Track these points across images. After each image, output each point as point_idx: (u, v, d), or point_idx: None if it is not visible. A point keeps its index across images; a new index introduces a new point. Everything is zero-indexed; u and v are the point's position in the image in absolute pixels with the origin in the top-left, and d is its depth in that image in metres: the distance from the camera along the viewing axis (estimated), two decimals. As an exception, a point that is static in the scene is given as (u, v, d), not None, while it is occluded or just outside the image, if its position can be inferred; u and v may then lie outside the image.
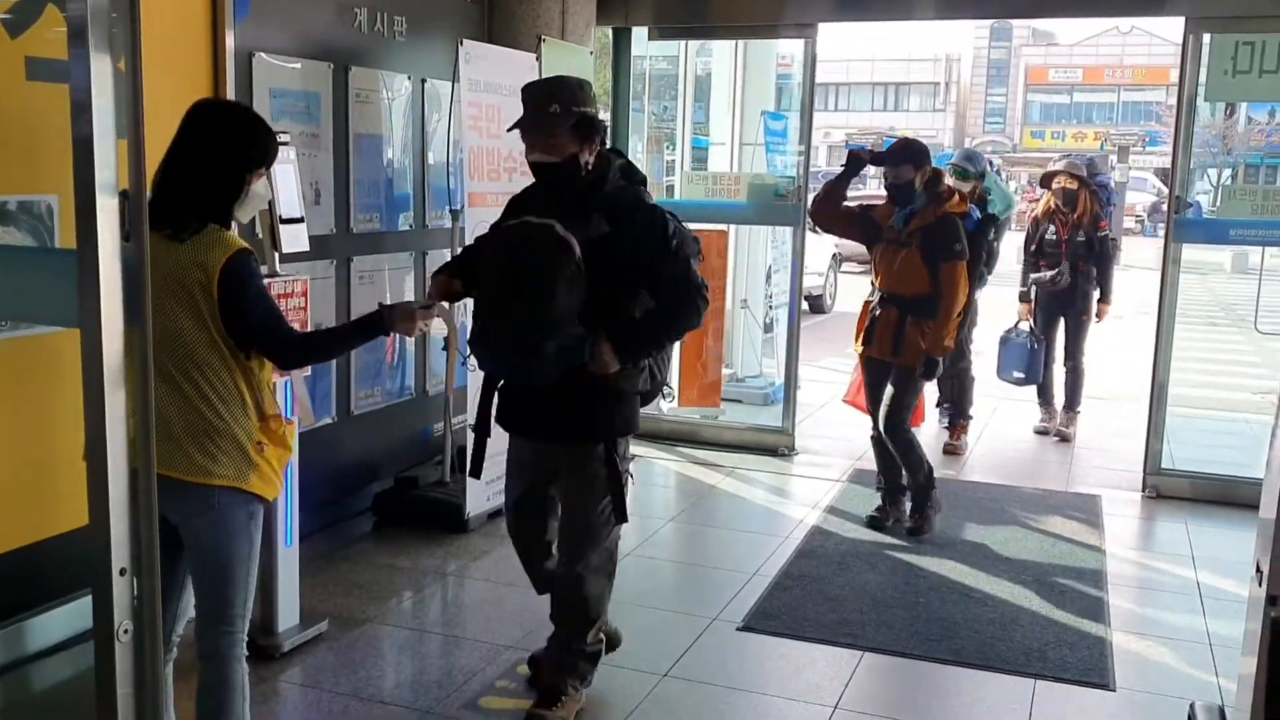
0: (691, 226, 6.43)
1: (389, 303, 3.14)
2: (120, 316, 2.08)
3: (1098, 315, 7.29)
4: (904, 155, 5.14)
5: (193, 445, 2.62)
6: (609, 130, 7.19)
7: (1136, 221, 26.37)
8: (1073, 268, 7.08)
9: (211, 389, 2.63)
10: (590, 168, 3.23)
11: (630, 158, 6.06)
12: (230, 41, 4.24)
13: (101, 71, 2.00)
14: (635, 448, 6.69)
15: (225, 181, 2.68)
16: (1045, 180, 7.49)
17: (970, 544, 5.20)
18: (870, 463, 5.71)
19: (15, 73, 3.45)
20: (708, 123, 9.00)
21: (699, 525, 5.57)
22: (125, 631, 2.11)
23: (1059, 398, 7.46)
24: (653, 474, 6.42)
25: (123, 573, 2.12)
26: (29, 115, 3.48)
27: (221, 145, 2.68)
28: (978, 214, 5.79)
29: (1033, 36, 52.68)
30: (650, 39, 7.18)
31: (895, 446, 5.26)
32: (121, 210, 2.10)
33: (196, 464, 2.62)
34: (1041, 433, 7.45)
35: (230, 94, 4.22)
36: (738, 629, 4.20)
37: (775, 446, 6.85)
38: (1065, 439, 7.30)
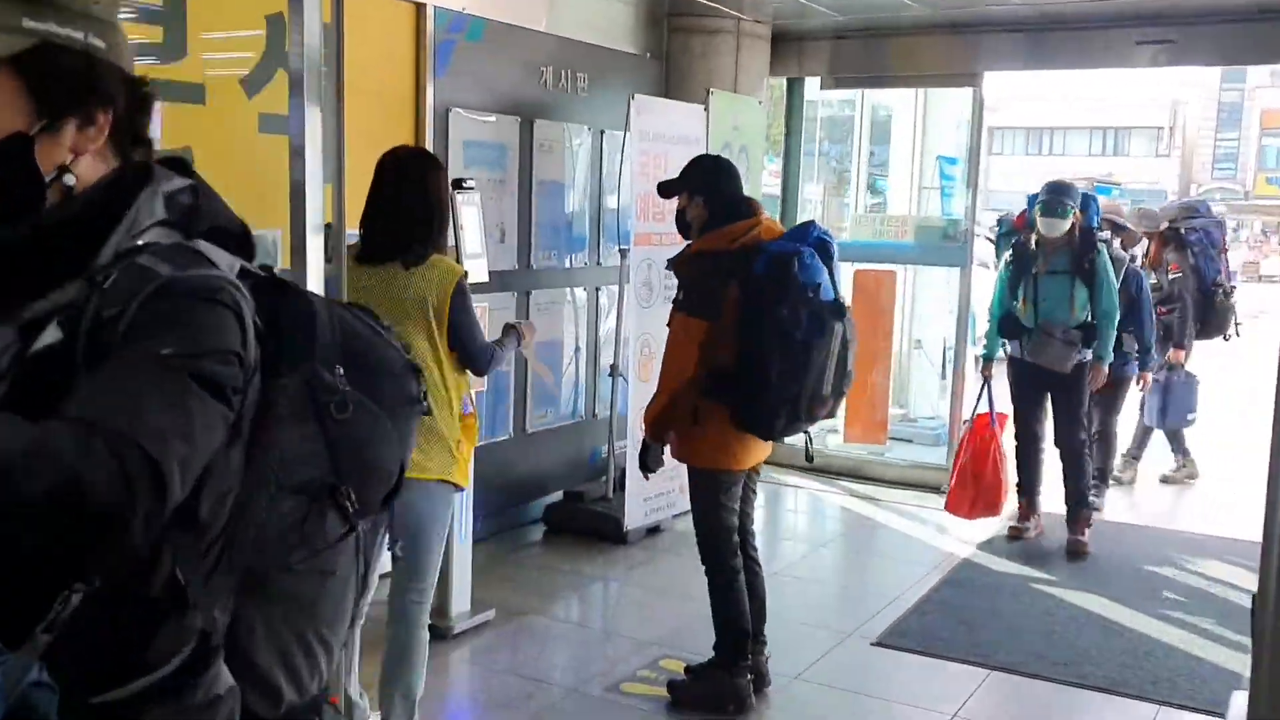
0: (862, 266, 6.71)
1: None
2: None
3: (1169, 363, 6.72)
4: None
5: (435, 448, 3.13)
6: (783, 176, 7.65)
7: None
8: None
9: (429, 397, 3.15)
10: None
11: (803, 201, 6.46)
12: (430, 98, 4.86)
13: (312, 120, 2.53)
14: (797, 478, 7.04)
15: (437, 213, 3.21)
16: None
17: (1120, 581, 5.25)
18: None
19: (250, 126, 4.13)
20: (887, 165, 9.24)
21: (850, 552, 5.81)
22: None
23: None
24: (812, 504, 6.69)
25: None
26: (260, 162, 4.14)
27: (428, 181, 3.21)
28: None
29: (1272, 78, 49.88)
30: (823, 88, 7.52)
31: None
32: (325, 239, 2.63)
33: (414, 462, 3.13)
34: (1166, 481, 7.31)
35: (429, 144, 4.82)
36: (871, 644, 4.43)
37: (938, 484, 6.98)
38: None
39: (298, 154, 2.54)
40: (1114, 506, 6.60)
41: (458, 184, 4.32)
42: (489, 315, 4.39)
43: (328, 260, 2.60)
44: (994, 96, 9.30)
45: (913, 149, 8.84)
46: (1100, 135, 51.84)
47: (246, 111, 4.13)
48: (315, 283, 2.58)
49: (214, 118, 4.06)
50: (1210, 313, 6.80)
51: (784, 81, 7.47)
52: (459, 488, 3.27)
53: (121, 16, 3.88)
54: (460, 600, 4.38)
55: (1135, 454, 7.27)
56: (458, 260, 4.25)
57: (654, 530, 5.68)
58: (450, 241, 4.23)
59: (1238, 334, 7.04)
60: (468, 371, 3.29)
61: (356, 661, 3.43)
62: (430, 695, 3.82)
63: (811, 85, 7.51)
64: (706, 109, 5.94)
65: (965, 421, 5.97)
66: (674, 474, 5.81)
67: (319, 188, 2.60)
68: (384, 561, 3.47)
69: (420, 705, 3.30)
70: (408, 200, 3.18)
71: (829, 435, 7.75)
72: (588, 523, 5.64)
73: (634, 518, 5.48)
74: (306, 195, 2.57)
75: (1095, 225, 5.60)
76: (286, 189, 2.66)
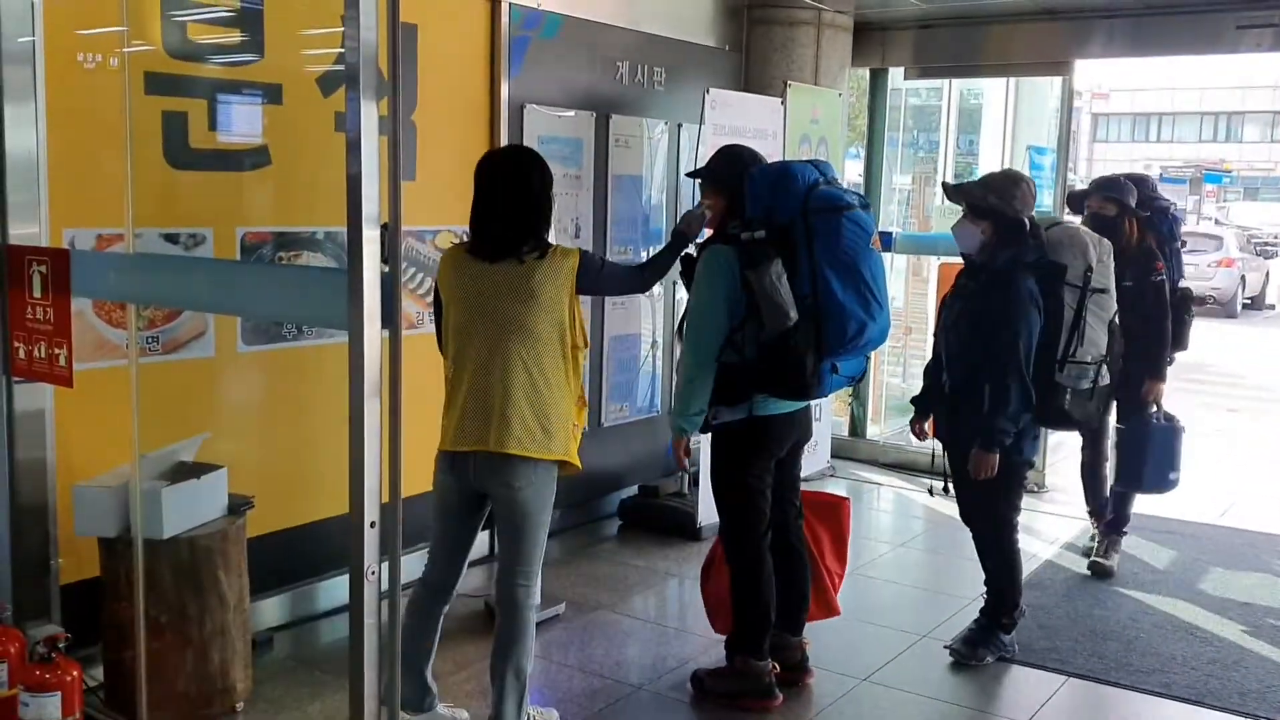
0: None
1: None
2: (378, 320, 2.62)
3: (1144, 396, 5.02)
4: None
5: (536, 425, 3.22)
6: (866, 167, 7.52)
7: None
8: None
9: (551, 378, 3.26)
10: None
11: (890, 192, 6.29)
12: (505, 94, 4.89)
13: (368, 114, 2.55)
14: (879, 475, 6.94)
15: (543, 207, 3.34)
16: (1073, 202, 5.44)
17: (1210, 587, 5.07)
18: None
19: (327, 125, 4.20)
20: (977, 156, 9.04)
21: (927, 551, 5.70)
22: (372, 572, 2.64)
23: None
24: (897, 503, 6.60)
25: (372, 525, 2.65)
26: (337, 161, 4.21)
27: (534, 179, 3.31)
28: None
29: (1392, 57, 47.55)
30: (906, 79, 7.39)
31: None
32: (382, 239, 2.65)
33: (539, 442, 3.21)
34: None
35: (504, 141, 4.86)
36: (944, 646, 4.35)
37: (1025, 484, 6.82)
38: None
39: (354, 148, 2.57)
40: (1201, 508, 6.37)
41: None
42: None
43: (384, 260, 2.62)
44: (1099, 83, 9.01)
45: (1003, 138, 8.62)
46: (1211, 121, 50.03)
47: (323, 110, 4.20)
48: (370, 280, 2.60)
49: (291, 117, 4.14)
50: (1179, 328, 5.16)
51: (867, 72, 7.34)
52: (579, 469, 3.36)
53: (201, 19, 4.00)
54: (530, 594, 4.41)
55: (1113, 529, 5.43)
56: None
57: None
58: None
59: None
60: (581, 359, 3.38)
61: (436, 639, 3.48)
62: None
63: (896, 75, 7.38)
64: (784, 102, 5.88)
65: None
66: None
67: (375, 182, 2.63)
68: (478, 547, 3.55)
69: (488, 698, 3.34)
70: (513, 201, 3.28)
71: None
72: (662, 518, 5.63)
73: (708, 514, 5.45)
74: (363, 189, 2.60)
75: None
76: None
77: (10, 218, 3.37)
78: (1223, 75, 45.77)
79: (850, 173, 8.11)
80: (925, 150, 9.18)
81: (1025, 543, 5.72)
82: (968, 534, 4.35)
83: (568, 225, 5.30)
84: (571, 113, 5.31)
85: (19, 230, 3.39)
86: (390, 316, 2.66)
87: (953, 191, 4.28)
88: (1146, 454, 5.08)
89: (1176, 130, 49.84)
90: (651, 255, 3.81)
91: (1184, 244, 5.61)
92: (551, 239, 4.35)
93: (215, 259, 3.88)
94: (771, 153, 5.75)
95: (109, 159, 3.52)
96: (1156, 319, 4.97)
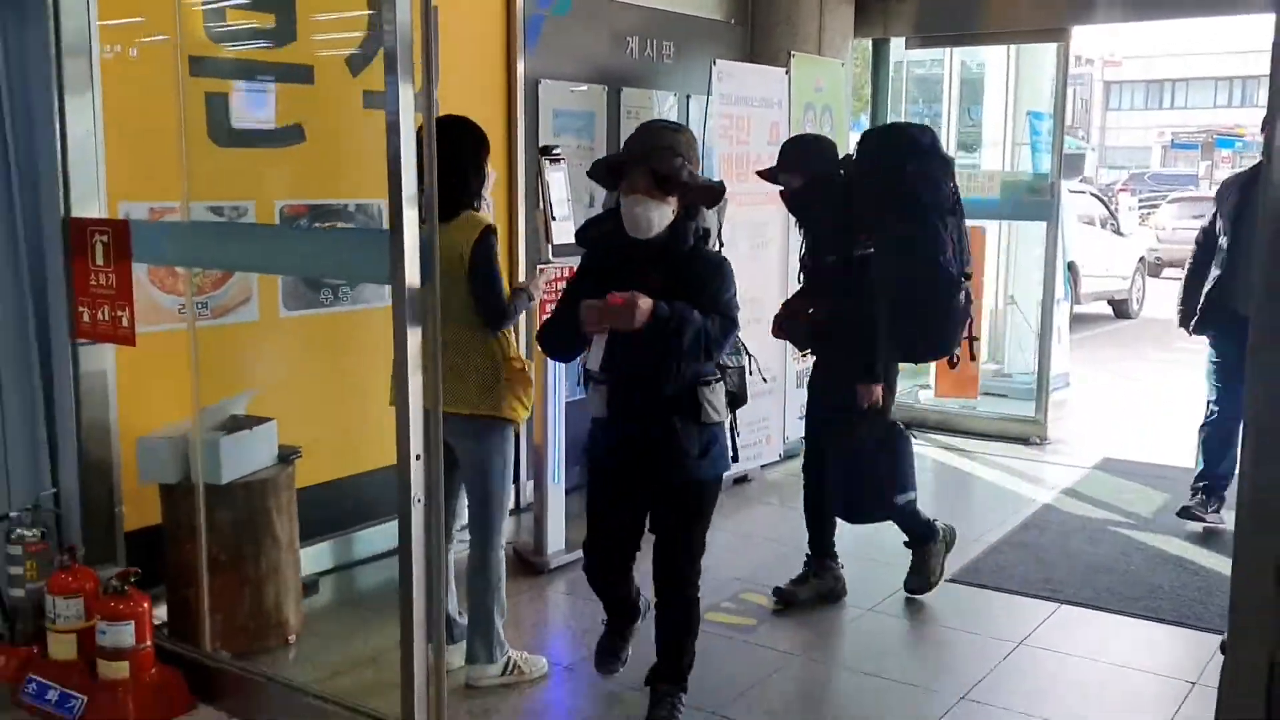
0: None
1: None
2: (417, 277, 2.90)
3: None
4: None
5: (475, 387, 3.47)
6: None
7: None
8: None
9: (461, 340, 3.47)
10: None
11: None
12: (521, 70, 5.15)
13: (405, 96, 2.82)
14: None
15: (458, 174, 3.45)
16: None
17: (1197, 525, 5.29)
18: (1123, 454, 5.89)
19: (355, 103, 4.48)
20: (980, 124, 9.25)
21: (934, 499, 5.93)
22: (418, 500, 2.93)
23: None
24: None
25: (418, 458, 2.94)
26: (365, 138, 4.48)
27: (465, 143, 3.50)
28: None
29: None
30: (907, 48, 7.60)
31: None
32: (419, 202, 2.93)
33: (457, 397, 3.43)
34: None
35: (520, 114, 5.13)
36: (946, 580, 4.61)
37: (1026, 436, 7.09)
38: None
39: (393, 129, 2.83)
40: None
41: (545, 151, 4.62)
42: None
43: (422, 221, 2.89)
44: (1112, 51, 9.18)
45: (1005, 105, 8.84)
46: (1226, 86, 49.72)
47: (351, 89, 4.48)
48: (411, 245, 2.88)
49: (322, 96, 4.42)
50: None
51: (869, 42, 7.57)
52: (509, 422, 3.56)
53: (236, 3, 4.27)
54: (555, 539, 4.71)
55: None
56: (546, 225, 4.56)
57: (741, 480, 5.94)
58: (539, 206, 4.54)
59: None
60: None
61: (454, 582, 3.78)
62: (526, 622, 4.19)
63: (898, 46, 7.60)
64: (788, 72, 6.12)
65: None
66: (762, 426, 6.07)
67: (413, 159, 2.90)
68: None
69: (517, 629, 3.64)
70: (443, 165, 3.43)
71: (921, 391, 7.90)
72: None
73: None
74: (402, 166, 2.87)
75: None
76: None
77: (72, 194, 3.66)
78: (1237, 39, 45.48)
79: (855, 143, 8.32)
80: (930, 120, 9.40)
81: (1026, 490, 6.03)
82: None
83: (582, 196, 5.57)
84: (584, 87, 5.57)
85: (80, 205, 3.69)
86: (428, 272, 2.94)
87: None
88: None
89: (1191, 96, 49.57)
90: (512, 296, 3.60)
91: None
92: (567, 209, 4.64)
93: (270, 225, 4.18)
94: (776, 121, 6.02)
95: (158, 139, 3.81)
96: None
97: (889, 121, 7.28)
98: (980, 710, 3.56)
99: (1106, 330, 12.77)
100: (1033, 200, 7.10)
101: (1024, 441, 7.04)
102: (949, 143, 8.89)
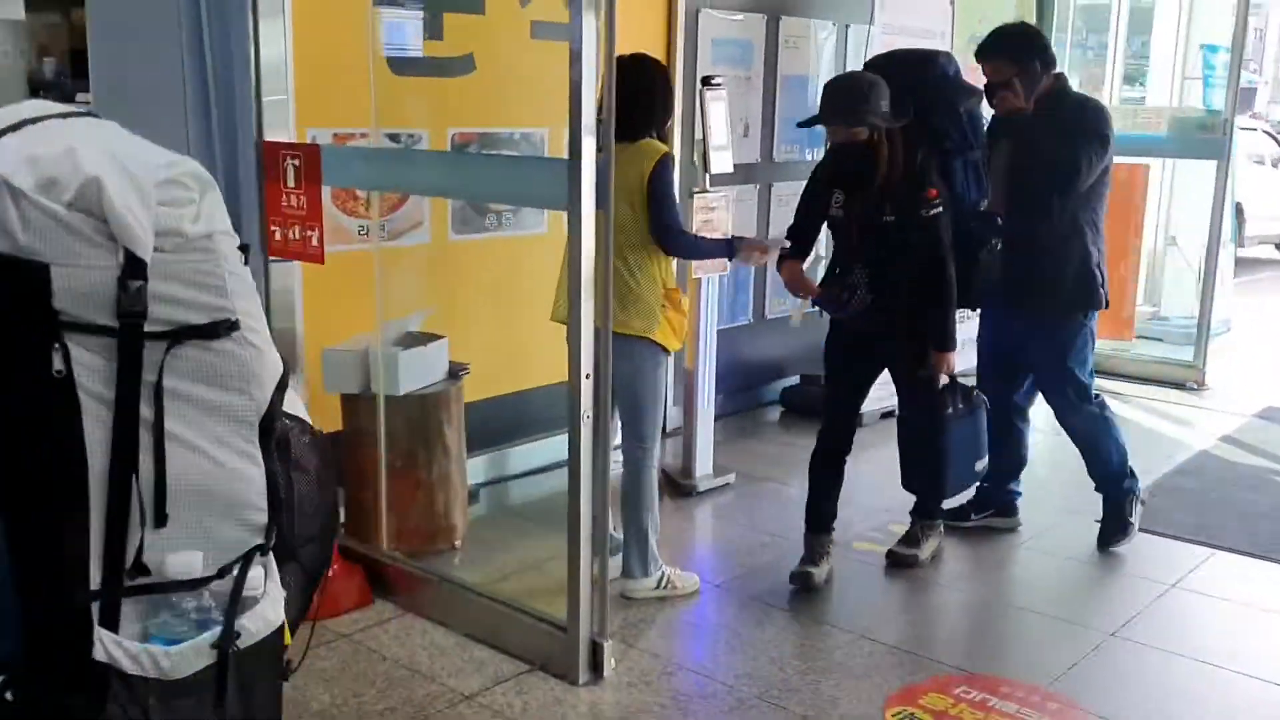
0: (1115, 160, 6.50)
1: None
2: (593, 201, 3.03)
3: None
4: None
5: (636, 310, 3.60)
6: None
7: None
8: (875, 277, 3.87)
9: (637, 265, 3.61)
10: None
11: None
12: (682, 1, 5.19)
13: (589, 26, 2.92)
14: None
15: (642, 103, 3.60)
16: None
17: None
18: None
19: (524, 32, 4.60)
20: (1148, 55, 8.89)
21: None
22: (587, 416, 3.09)
23: None
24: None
25: (587, 377, 3.09)
26: (530, 67, 4.61)
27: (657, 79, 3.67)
28: None
29: None
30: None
31: None
32: (597, 132, 3.04)
33: (617, 319, 3.54)
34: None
35: (680, 44, 5.17)
36: (1095, 520, 4.59)
37: (1183, 381, 6.91)
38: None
39: (576, 58, 2.94)
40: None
41: (706, 81, 4.67)
42: (731, 206, 4.75)
43: (599, 150, 3.01)
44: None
45: (1176, 37, 8.47)
46: None
47: (520, 20, 4.60)
48: (588, 171, 2.99)
49: (491, 26, 4.55)
50: None
51: (1035, -29, 7.31)
52: (665, 349, 3.69)
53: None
54: (704, 463, 4.85)
55: None
56: (705, 153, 4.63)
57: (887, 415, 5.95)
58: (697, 135, 4.61)
59: None
60: None
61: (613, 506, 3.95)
62: (678, 541, 4.34)
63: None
64: (952, 2, 6.00)
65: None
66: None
67: (593, 88, 3.01)
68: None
69: (669, 547, 3.79)
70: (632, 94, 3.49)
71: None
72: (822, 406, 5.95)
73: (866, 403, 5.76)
74: (582, 95, 2.98)
75: None
76: (554, 92, 3.08)
77: (265, 119, 3.88)
78: None
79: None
80: (1095, 51, 9.04)
81: (1182, 434, 5.89)
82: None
83: (737, 125, 5.59)
84: (742, 16, 5.57)
85: (271, 130, 3.90)
86: (603, 198, 3.07)
87: None
88: None
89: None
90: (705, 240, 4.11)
91: None
92: (725, 139, 4.69)
93: (452, 152, 4.35)
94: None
95: (343, 67, 4.00)
96: None
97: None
98: (1129, 647, 3.58)
99: (1272, 275, 12.21)
100: (1203, 138, 6.82)
101: (1180, 387, 6.86)
102: (1113, 76, 8.57)
